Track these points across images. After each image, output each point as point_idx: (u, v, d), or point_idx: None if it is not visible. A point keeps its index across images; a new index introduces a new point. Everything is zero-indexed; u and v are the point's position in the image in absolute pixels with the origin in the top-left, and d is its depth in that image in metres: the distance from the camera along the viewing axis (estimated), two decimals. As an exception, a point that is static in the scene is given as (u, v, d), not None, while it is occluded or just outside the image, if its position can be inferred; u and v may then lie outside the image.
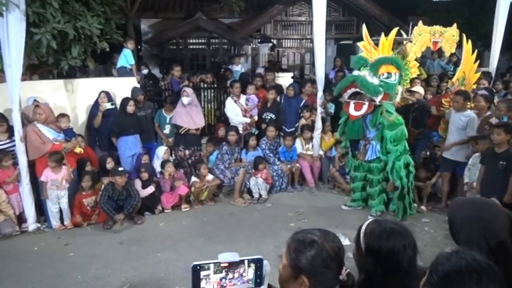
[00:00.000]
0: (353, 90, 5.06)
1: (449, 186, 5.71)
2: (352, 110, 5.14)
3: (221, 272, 1.31)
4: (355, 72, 5.21)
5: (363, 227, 1.67)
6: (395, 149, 5.10)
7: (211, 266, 1.30)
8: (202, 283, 1.30)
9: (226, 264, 1.32)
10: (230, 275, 1.33)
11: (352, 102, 5.16)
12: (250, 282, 1.35)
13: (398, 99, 5.54)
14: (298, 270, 1.38)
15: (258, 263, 1.35)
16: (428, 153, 6.26)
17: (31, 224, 5.20)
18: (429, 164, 6.02)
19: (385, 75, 5.08)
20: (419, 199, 5.86)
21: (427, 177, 5.88)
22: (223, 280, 1.32)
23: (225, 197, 6.37)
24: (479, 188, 4.73)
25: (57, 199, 5.22)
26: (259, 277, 1.36)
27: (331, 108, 7.06)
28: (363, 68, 5.19)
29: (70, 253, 4.61)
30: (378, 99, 4.98)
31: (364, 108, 5.05)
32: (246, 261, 1.34)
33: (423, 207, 5.71)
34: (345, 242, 4.37)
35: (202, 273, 1.29)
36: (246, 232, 5.11)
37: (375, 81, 4.97)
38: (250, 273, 1.35)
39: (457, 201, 1.94)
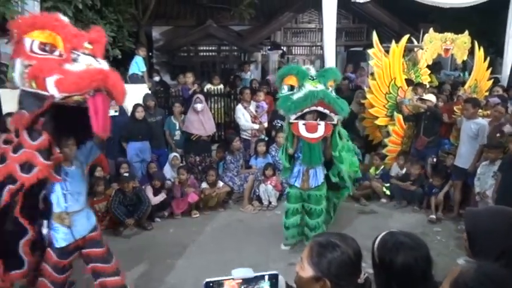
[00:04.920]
0: (313, 108, 4.19)
1: (462, 194, 5.64)
2: (304, 132, 4.26)
3: None
4: (308, 86, 4.19)
5: (377, 239, 1.65)
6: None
7: (226, 283, 1.25)
8: None
9: (240, 281, 1.27)
10: None
11: (301, 123, 4.26)
12: None
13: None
14: (320, 273, 1.40)
15: (274, 279, 1.31)
16: (434, 159, 6.20)
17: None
18: (442, 171, 5.96)
19: (330, 89, 4.34)
20: (428, 207, 5.81)
21: (441, 184, 5.82)
22: None
23: (235, 204, 6.37)
24: (496, 197, 4.65)
25: None
26: None
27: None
28: (310, 81, 4.23)
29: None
30: (336, 118, 4.29)
31: (321, 129, 4.25)
32: (261, 277, 1.29)
33: (433, 216, 5.63)
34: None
35: None
36: (255, 239, 5.10)
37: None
38: None
39: (476, 211, 1.87)
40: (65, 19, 2.67)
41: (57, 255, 3.17)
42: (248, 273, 1.28)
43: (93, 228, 3.36)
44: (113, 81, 2.48)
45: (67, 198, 3.14)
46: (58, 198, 3.12)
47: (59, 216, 3.13)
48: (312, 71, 4.37)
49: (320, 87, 4.18)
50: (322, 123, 4.26)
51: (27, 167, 2.69)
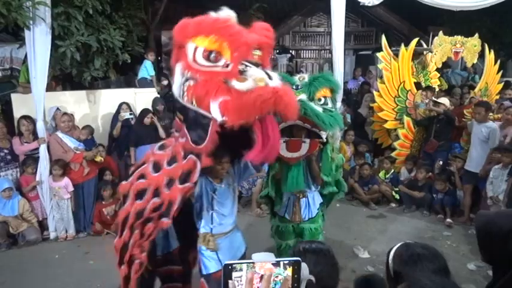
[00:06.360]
0: (290, 123, 3.28)
1: (472, 199, 5.58)
2: (284, 151, 3.41)
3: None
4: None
5: (392, 251, 1.62)
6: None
7: (244, 266, 1.19)
8: (230, 285, 1.17)
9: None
10: None
11: (282, 140, 3.32)
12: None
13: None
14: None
15: (296, 266, 1.21)
16: (441, 162, 6.15)
17: (52, 231, 5.30)
18: (446, 175, 5.91)
19: (322, 100, 3.47)
20: (437, 212, 5.74)
21: (445, 188, 5.77)
22: (258, 282, 1.19)
23: (243, 208, 6.36)
24: (507, 201, 4.60)
25: (58, 208, 5.24)
26: (296, 281, 1.21)
27: (348, 118, 7.04)
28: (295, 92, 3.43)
29: (90, 261, 4.67)
30: (324, 134, 3.48)
31: (305, 147, 3.44)
32: (282, 264, 1.21)
33: (440, 216, 5.60)
34: (364, 255, 4.32)
35: (234, 275, 1.17)
36: (264, 243, 5.06)
37: (319, 109, 3.40)
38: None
39: (486, 213, 1.84)
40: (234, 21, 2.19)
41: (209, 285, 2.85)
42: (269, 257, 1.22)
43: (241, 257, 2.96)
44: (285, 103, 2.00)
45: (213, 218, 2.84)
46: (204, 218, 2.85)
47: (204, 237, 2.85)
48: (306, 79, 3.56)
49: (303, 98, 3.36)
50: (308, 140, 3.45)
51: (170, 183, 2.39)
